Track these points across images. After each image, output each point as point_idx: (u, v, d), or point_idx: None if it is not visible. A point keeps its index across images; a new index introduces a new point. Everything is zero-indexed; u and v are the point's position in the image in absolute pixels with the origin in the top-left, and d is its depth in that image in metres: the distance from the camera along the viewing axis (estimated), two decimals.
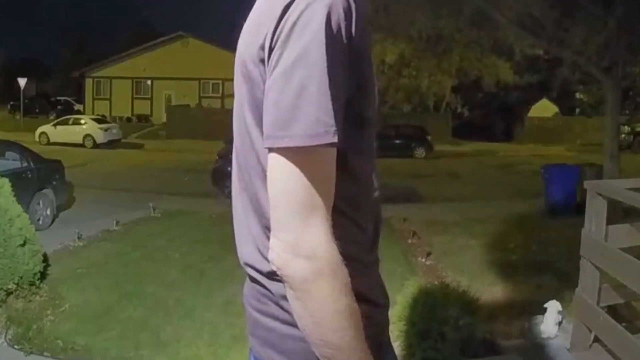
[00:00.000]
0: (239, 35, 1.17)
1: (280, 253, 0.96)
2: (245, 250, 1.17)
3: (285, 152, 0.94)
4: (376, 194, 1.14)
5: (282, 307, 1.07)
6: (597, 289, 3.62)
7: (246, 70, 1.06)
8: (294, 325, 1.02)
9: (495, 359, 4.14)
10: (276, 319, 1.09)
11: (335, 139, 0.92)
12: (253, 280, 1.15)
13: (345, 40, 0.96)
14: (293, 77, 0.93)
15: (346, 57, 0.97)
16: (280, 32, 0.95)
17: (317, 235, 0.94)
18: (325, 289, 0.94)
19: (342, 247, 0.97)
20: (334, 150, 0.96)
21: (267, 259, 1.02)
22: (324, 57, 0.92)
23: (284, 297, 1.02)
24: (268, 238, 1.01)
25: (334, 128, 0.92)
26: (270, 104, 0.96)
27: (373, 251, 1.16)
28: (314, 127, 0.92)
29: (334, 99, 0.93)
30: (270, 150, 0.96)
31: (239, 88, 1.11)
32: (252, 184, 1.10)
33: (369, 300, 1.08)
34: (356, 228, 1.08)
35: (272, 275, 1.05)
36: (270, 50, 0.97)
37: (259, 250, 1.10)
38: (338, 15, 0.95)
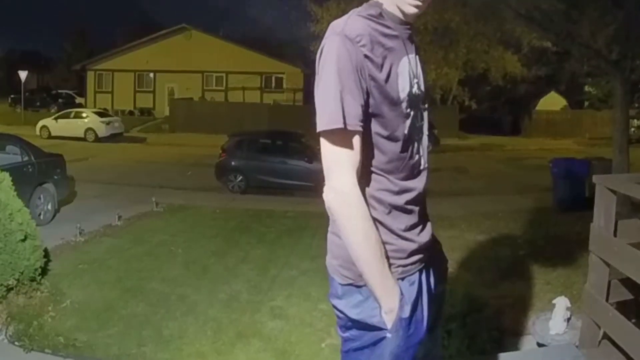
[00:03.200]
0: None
1: (325, 190, 1.55)
2: None
3: (321, 134, 1.55)
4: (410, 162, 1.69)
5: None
6: (606, 285, 3.53)
7: None
8: (340, 237, 1.61)
9: (502, 355, 4.08)
10: (333, 234, 1.68)
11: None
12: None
13: None
14: (318, 89, 1.58)
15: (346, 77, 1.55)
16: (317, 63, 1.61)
17: (339, 181, 1.52)
18: (345, 213, 1.53)
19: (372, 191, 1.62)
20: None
21: None
22: None
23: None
24: None
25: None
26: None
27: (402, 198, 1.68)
28: None
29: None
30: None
31: None
32: None
33: (391, 229, 1.64)
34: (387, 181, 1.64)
35: None
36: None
37: None
38: None
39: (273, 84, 37.80)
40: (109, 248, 7.46)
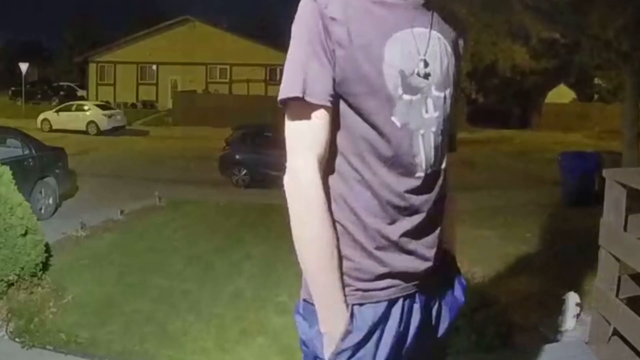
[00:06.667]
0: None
1: (285, 172, 1.32)
2: None
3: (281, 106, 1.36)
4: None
5: None
6: (616, 280, 3.53)
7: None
8: None
9: (510, 352, 4.02)
10: None
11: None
12: None
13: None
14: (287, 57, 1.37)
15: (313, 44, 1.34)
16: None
17: (298, 164, 1.29)
18: (298, 205, 1.30)
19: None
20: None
21: None
22: None
23: None
24: None
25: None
26: None
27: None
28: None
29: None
30: None
31: None
32: None
33: (359, 243, 1.35)
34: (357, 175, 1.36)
35: None
36: None
37: None
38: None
39: (278, 76, 37.70)
40: (111, 243, 7.42)
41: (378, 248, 1.34)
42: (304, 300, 1.40)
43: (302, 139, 1.30)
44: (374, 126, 1.32)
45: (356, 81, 1.30)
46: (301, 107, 1.29)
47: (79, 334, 4.66)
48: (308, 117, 1.29)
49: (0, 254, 5.12)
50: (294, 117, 1.31)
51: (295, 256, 1.31)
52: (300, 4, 1.33)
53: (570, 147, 14.95)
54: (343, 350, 1.31)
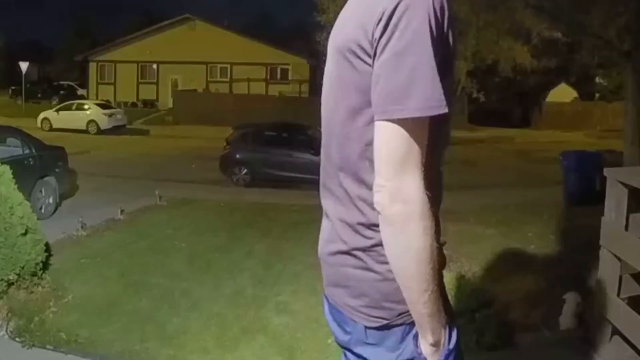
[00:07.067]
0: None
1: (385, 197, 1.17)
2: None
3: (397, 121, 1.15)
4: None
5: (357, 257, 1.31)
6: (617, 279, 3.51)
7: (349, 59, 1.25)
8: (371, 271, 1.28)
9: (511, 352, 4.01)
10: (355, 267, 1.31)
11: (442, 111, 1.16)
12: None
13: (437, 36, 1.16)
14: (404, 62, 1.14)
15: (438, 47, 1.16)
16: (386, 27, 1.15)
17: (411, 184, 1.16)
18: (413, 227, 1.16)
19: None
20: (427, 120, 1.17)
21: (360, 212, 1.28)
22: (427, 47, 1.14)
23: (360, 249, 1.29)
24: (363, 193, 1.27)
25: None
26: (383, 84, 1.16)
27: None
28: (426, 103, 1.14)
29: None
30: (382, 120, 1.17)
31: (338, 73, 1.31)
32: (350, 148, 1.30)
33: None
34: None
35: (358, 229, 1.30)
36: (377, 41, 1.17)
37: (355, 205, 1.30)
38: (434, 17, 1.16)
39: (278, 75, 37.69)
40: (112, 242, 7.39)
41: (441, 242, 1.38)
42: (380, 327, 1.31)
43: (418, 158, 1.17)
44: (447, 119, 1.27)
45: (451, 81, 1.27)
46: (423, 122, 1.16)
47: (79, 333, 4.66)
48: (424, 131, 1.18)
49: (0, 253, 5.11)
50: (416, 134, 1.16)
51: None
52: None
53: (572, 146, 14.94)
54: (451, 351, 1.31)
